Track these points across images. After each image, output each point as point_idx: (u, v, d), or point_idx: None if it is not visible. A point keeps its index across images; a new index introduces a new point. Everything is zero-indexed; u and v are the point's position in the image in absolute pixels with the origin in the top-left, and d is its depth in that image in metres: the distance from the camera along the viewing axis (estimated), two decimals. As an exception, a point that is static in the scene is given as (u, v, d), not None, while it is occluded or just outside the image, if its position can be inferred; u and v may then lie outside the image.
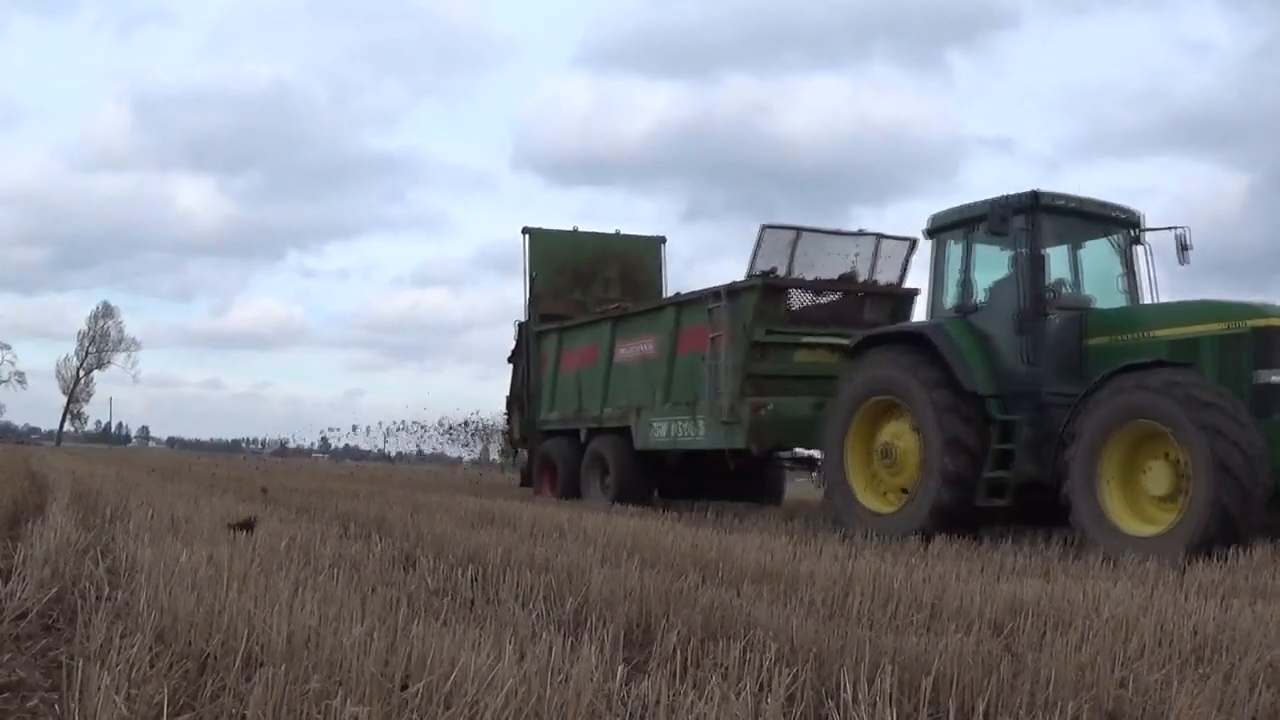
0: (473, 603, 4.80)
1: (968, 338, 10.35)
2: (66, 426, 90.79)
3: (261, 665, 3.11)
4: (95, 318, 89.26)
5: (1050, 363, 9.96)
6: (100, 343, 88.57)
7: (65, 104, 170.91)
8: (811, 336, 13.34)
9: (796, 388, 13.00)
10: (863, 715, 2.94)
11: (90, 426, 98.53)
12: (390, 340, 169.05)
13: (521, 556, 6.26)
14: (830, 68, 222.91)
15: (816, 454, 13.15)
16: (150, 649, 3.23)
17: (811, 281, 13.43)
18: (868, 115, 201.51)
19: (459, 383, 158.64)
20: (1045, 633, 4.25)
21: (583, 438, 16.14)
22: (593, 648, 3.31)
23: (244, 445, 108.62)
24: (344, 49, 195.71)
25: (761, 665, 3.39)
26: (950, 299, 10.93)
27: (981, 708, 3.10)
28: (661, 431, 14.38)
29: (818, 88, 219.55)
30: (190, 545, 5.45)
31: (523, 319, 18.14)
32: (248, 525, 7.07)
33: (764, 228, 13.17)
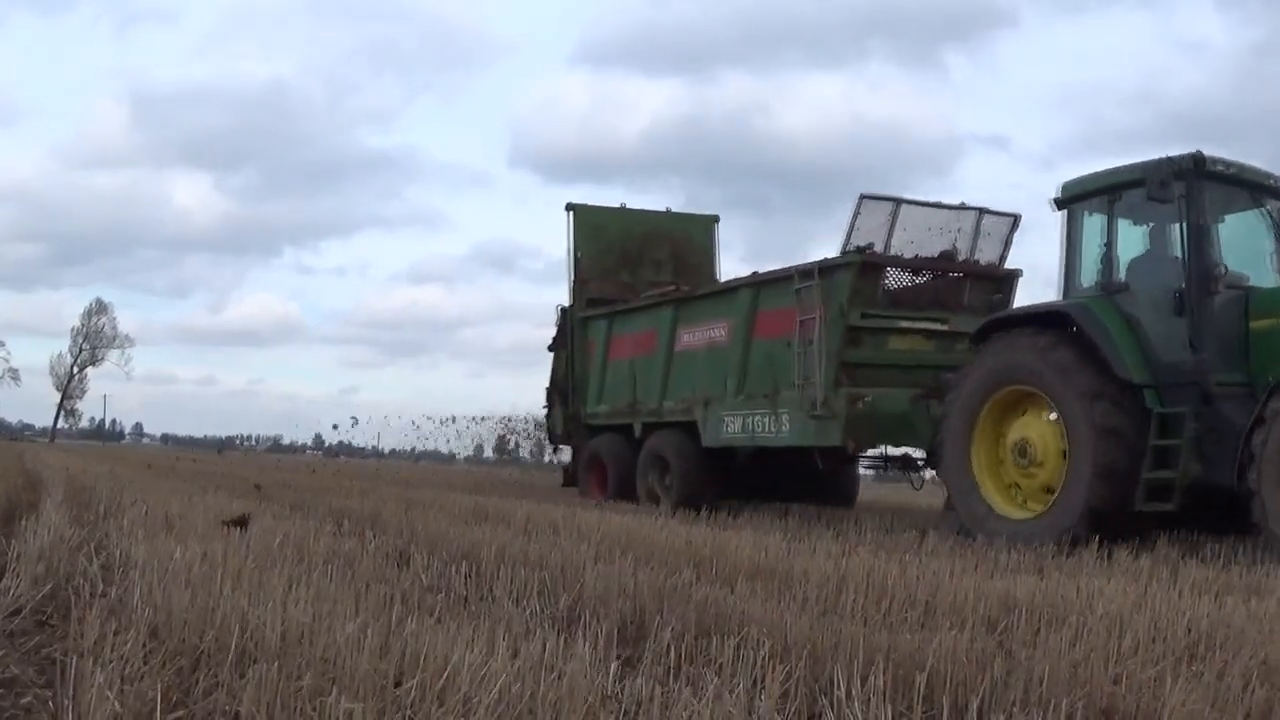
0: (466, 600, 4.80)
1: (1116, 319, 9.24)
2: (60, 423, 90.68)
3: (255, 662, 3.11)
4: (89, 314, 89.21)
5: (1211, 349, 8.89)
6: (94, 339, 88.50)
7: (62, 101, 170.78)
8: (909, 321, 11.99)
9: (890, 378, 11.72)
10: (856, 712, 2.94)
11: (84, 423, 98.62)
12: (385, 337, 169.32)
13: (515, 553, 6.27)
14: (828, 66, 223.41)
15: (914, 453, 12.18)
16: (144, 645, 3.23)
17: (912, 260, 12.06)
18: (864, 113, 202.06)
19: (454, 380, 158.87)
20: (1039, 630, 4.25)
21: (637, 433, 14.70)
22: (586, 644, 3.31)
23: (238, 442, 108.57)
24: (341, 47, 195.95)
25: (755, 662, 3.40)
26: (1090, 277, 9.73)
27: (975, 705, 3.10)
28: (734, 426, 12.88)
29: (815, 86, 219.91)
30: (184, 542, 5.45)
31: (565, 303, 16.79)
32: (241, 522, 7.06)
33: (862, 197, 11.86)
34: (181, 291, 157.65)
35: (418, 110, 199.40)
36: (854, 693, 3.00)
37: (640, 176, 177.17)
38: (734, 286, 13.58)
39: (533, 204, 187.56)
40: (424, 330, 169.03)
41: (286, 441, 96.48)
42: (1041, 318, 9.74)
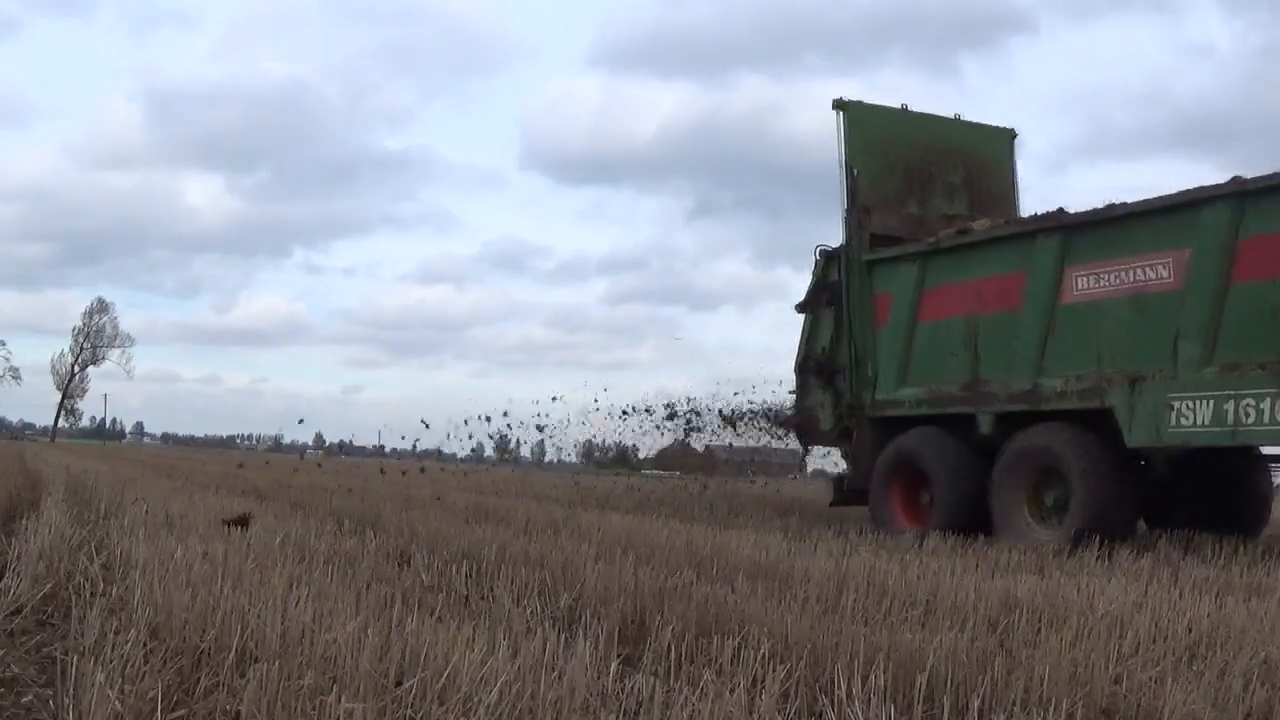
0: (467, 599, 4.80)
1: None
2: (61, 422, 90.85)
3: (256, 661, 3.11)
4: (90, 314, 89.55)
5: None
6: (95, 338, 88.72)
7: (77, 102, 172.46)
8: None
9: None
10: (857, 712, 2.94)
11: (85, 423, 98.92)
12: (391, 337, 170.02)
13: (516, 553, 6.27)
14: (844, 71, 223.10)
15: None
16: (144, 645, 3.22)
17: None
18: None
19: (458, 378, 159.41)
20: (1040, 629, 4.25)
21: (984, 429, 10.31)
22: (587, 644, 3.31)
23: (239, 441, 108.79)
24: (359, 49, 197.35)
25: (755, 661, 3.39)
26: None
27: (976, 704, 3.10)
28: (1198, 415, 8.62)
29: (830, 90, 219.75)
30: (185, 541, 5.45)
31: (826, 246, 12.49)
32: (242, 521, 7.06)
33: None
34: (189, 291, 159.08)
35: (433, 112, 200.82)
36: (854, 692, 3.00)
37: (650, 177, 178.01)
38: (1191, 201, 9.03)
39: (543, 205, 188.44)
40: (430, 330, 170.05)
41: (287, 441, 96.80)
42: None
